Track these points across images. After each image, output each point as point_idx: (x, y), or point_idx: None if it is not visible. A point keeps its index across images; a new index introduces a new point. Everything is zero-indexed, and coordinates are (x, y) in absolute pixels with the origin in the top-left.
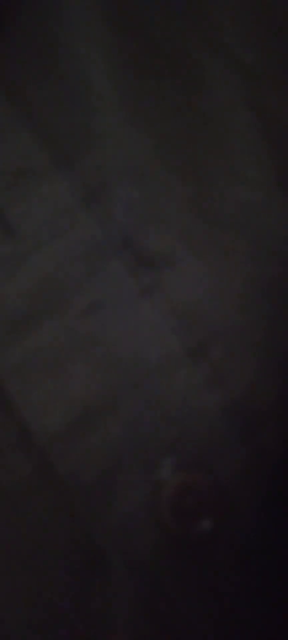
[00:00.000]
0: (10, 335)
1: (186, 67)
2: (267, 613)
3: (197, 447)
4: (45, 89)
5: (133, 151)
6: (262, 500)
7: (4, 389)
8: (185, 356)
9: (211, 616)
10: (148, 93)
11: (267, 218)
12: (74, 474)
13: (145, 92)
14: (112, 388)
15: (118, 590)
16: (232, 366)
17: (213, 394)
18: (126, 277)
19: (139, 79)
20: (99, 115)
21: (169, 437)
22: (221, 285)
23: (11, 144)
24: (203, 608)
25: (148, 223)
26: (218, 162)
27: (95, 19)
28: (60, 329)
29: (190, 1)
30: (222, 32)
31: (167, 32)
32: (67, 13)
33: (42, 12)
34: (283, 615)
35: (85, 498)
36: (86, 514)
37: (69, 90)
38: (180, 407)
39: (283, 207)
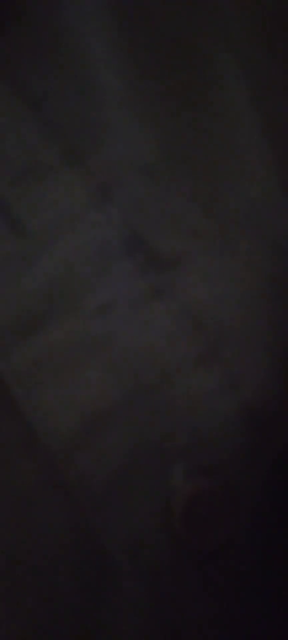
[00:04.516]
0: (18, 337)
1: (196, 63)
2: (282, 624)
3: (210, 453)
4: (52, 83)
5: (143, 148)
6: (277, 509)
7: (12, 392)
8: (197, 359)
9: (224, 626)
10: (158, 88)
11: (280, 217)
12: (83, 480)
13: (154, 88)
14: (122, 392)
15: (128, 598)
16: (245, 369)
17: (226, 397)
18: (137, 278)
19: (147, 74)
20: (108, 111)
21: (181, 442)
22: (233, 286)
23: (18, 140)
24: (215, 618)
25: (159, 222)
26: (228, 159)
27: (102, 12)
28: (70, 330)
29: None
30: (231, 29)
31: (177, 26)
32: (73, 7)
33: (48, 5)
34: None
35: (94, 505)
36: (95, 521)
37: (77, 85)
38: (192, 412)
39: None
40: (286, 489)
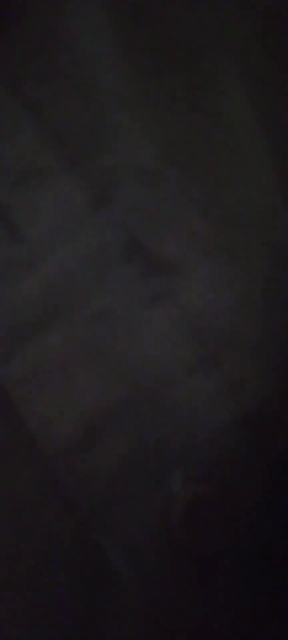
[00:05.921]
0: (16, 343)
1: (196, 64)
2: (282, 626)
3: (208, 459)
4: (51, 87)
5: (143, 152)
6: (276, 514)
7: (9, 398)
8: (197, 366)
9: (223, 630)
10: (158, 91)
11: (280, 222)
12: (81, 486)
13: (154, 90)
14: (121, 397)
15: (128, 603)
16: (245, 377)
17: (225, 404)
18: (136, 284)
19: (147, 76)
20: (107, 115)
21: (180, 448)
22: (234, 293)
23: (16, 144)
24: (214, 622)
25: (159, 227)
26: (230, 164)
27: (101, 14)
28: (68, 336)
29: None
30: (232, 29)
31: (177, 28)
32: (71, 8)
33: (48, 8)
34: None
35: (93, 511)
36: (95, 528)
37: (76, 88)
38: (191, 418)
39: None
40: (285, 494)
